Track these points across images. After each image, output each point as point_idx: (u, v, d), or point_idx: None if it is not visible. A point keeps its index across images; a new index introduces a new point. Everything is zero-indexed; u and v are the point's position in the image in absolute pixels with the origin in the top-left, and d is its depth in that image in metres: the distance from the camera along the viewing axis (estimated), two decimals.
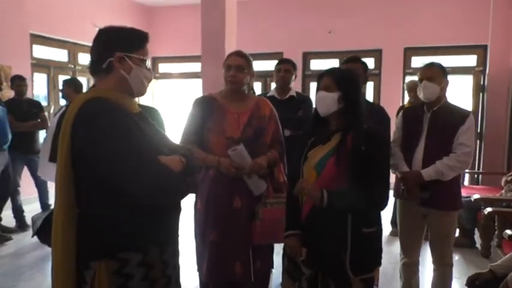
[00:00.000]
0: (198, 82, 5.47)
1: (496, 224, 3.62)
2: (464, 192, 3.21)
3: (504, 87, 6.15)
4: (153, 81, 1.47)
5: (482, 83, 6.53)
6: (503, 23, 6.09)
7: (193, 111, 2.38)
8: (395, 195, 2.63)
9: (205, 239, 2.31)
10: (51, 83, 6.45)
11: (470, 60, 6.73)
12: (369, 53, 6.88)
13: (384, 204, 1.82)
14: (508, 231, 3.06)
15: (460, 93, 6.62)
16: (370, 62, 6.94)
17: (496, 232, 3.61)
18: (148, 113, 1.57)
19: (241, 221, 2.26)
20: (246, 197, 2.27)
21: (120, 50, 1.41)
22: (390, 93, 6.85)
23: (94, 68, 1.46)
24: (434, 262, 2.59)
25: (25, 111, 4.76)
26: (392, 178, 2.50)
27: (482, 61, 6.56)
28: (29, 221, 4.21)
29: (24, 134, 4.69)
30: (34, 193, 4.94)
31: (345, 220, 1.77)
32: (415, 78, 2.84)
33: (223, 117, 2.31)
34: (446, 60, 6.68)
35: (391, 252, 4.00)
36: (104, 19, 6.19)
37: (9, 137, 4.33)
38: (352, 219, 1.77)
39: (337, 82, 1.82)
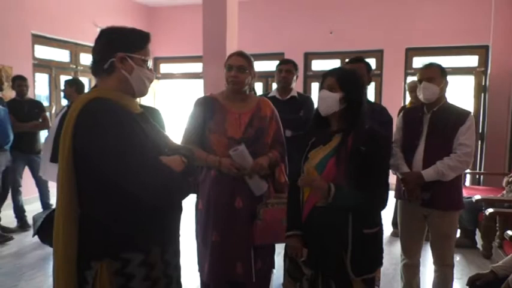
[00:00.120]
0: (200, 82, 5.48)
1: (497, 224, 3.62)
2: (465, 193, 3.22)
3: (506, 88, 6.14)
4: (155, 81, 1.48)
5: (483, 83, 6.52)
6: (504, 23, 6.08)
7: (194, 111, 2.39)
8: (396, 196, 2.63)
9: (206, 239, 2.31)
10: (53, 83, 6.46)
11: (471, 60, 6.72)
12: (370, 53, 6.88)
13: (383, 205, 1.83)
14: (510, 232, 3.06)
15: (461, 93, 6.61)
16: (371, 63, 6.90)
17: (498, 233, 3.60)
18: (149, 113, 1.57)
19: (243, 222, 2.26)
20: (247, 197, 2.27)
21: (121, 50, 1.42)
22: (391, 94, 6.85)
23: (96, 69, 1.46)
24: (435, 263, 2.59)
25: (26, 111, 4.77)
26: (393, 179, 2.51)
27: (483, 61, 6.55)
28: (30, 220, 4.22)
29: (26, 134, 4.69)
30: (35, 193, 4.96)
31: (346, 221, 1.77)
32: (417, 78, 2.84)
33: (225, 117, 2.31)
34: (448, 61, 6.69)
35: (392, 252, 4.00)
36: (106, 19, 6.20)
37: (11, 137, 4.34)
38: (353, 219, 1.77)
39: (340, 82, 1.83)
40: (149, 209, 1.40)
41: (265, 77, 7.35)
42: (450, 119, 2.43)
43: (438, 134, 2.43)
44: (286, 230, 1.95)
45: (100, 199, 1.37)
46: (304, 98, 3.31)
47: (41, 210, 4.70)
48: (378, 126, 1.97)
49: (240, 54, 2.37)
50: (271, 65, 6.96)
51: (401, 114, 2.73)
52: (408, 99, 5.12)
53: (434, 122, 2.45)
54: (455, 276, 2.60)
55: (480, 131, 6.47)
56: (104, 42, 1.44)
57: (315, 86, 7.39)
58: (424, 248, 2.69)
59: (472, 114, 2.49)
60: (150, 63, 1.51)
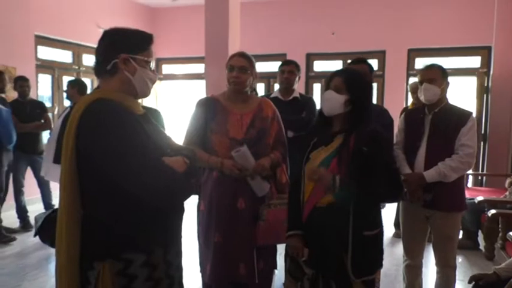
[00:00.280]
0: (202, 83, 5.49)
1: (499, 226, 3.61)
2: (468, 194, 3.21)
3: (508, 89, 6.12)
4: (157, 82, 1.48)
5: (486, 84, 6.50)
6: (507, 24, 6.06)
7: (196, 112, 2.39)
8: None
9: (208, 240, 2.32)
10: (56, 84, 6.48)
11: (474, 61, 6.71)
12: (372, 54, 6.87)
13: (392, 200, 1.82)
14: None
15: (464, 94, 6.60)
16: (373, 63, 6.92)
17: (500, 234, 3.59)
18: (150, 114, 1.57)
19: (245, 223, 2.26)
20: (250, 198, 2.28)
21: (124, 51, 1.42)
22: (394, 95, 6.84)
23: (99, 69, 1.46)
24: (437, 264, 2.58)
25: (28, 112, 4.79)
26: None
27: (486, 62, 6.54)
28: (32, 221, 4.23)
29: (28, 135, 4.71)
30: (38, 193, 4.97)
31: (347, 222, 1.76)
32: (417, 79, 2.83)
33: (226, 118, 2.31)
34: (450, 62, 6.68)
35: (394, 254, 3.99)
36: (108, 20, 6.23)
37: (14, 137, 4.36)
38: (354, 221, 1.76)
39: (347, 84, 1.82)
40: (151, 210, 1.40)
41: (267, 77, 7.35)
42: (451, 120, 2.42)
43: (440, 135, 2.43)
44: (286, 230, 1.95)
45: (103, 200, 1.38)
46: (306, 99, 3.32)
47: (43, 210, 4.71)
48: (380, 128, 1.96)
49: (241, 54, 2.37)
50: (273, 66, 6.96)
51: (402, 115, 2.73)
52: (410, 100, 5.12)
53: (436, 123, 2.45)
54: (457, 277, 2.60)
55: (483, 132, 6.45)
56: (107, 43, 1.45)
57: (316, 87, 7.39)
58: (427, 249, 2.68)
59: (473, 114, 2.48)
60: (152, 64, 1.51)
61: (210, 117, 2.33)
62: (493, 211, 3.62)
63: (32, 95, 5.08)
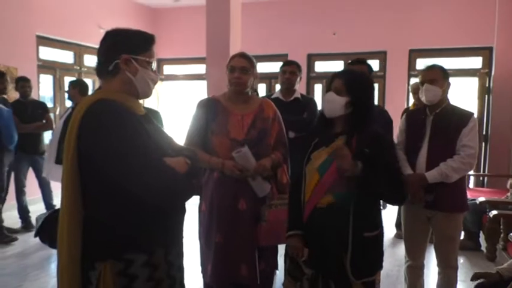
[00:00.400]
0: (203, 84, 5.49)
1: (501, 227, 3.60)
2: (469, 195, 3.20)
3: (510, 89, 6.11)
4: (158, 82, 1.48)
5: (487, 85, 6.50)
6: (508, 25, 6.06)
7: (197, 113, 2.39)
8: None
9: (209, 241, 2.32)
10: (57, 85, 6.49)
11: (475, 62, 6.70)
12: (373, 54, 6.87)
13: (397, 202, 1.81)
14: None
15: (465, 95, 6.59)
16: (374, 64, 6.94)
17: (502, 235, 3.58)
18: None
19: (246, 223, 2.26)
20: (251, 199, 2.28)
21: (126, 52, 1.42)
22: (395, 95, 6.83)
23: (100, 70, 1.47)
24: (439, 265, 2.58)
25: (30, 112, 4.79)
26: None
27: (487, 63, 6.53)
28: (34, 221, 4.24)
29: (29, 135, 4.71)
30: (39, 194, 4.97)
31: (347, 222, 1.76)
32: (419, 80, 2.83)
33: (227, 119, 2.32)
34: (452, 62, 6.67)
35: (396, 254, 3.99)
36: (109, 21, 6.24)
37: (15, 138, 4.36)
38: (354, 221, 1.76)
39: (348, 86, 1.81)
40: (153, 210, 1.40)
41: (269, 78, 7.35)
42: (453, 120, 2.42)
43: (441, 136, 2.43)
44: (287, 230, 1.95)
45: (104, 200, 1.38)
46: (308, 100, 3.32)
47: (44, 210, 4.72)
48: (381, 129, 1.96)
49: (242, 55, 2.37)
50: (274, 66, 6.96)
51: (404, 116, 2.73)
52: (411, 100, 5.11)
53: (437, 124, 2.45)
54: (459, 278, 2.59)
55: (484, 132, 6.45)
56: (108, 44, 1.45)
57: (318, 88, 7.39)
58: (428, 250, 2.68)
59: (474, 115, 2.48)
60: (154, 65, 1.52)
61: (210, 118, 2.33)
62: (494, 212, 3.61)
63: (33, 95, 5.09)
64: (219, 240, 2.27)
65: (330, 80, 1.87)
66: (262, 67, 7.14)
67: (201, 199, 2.41)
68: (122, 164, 1.30)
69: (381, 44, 6.91)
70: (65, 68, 6.66)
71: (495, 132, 6.27)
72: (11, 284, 3.42)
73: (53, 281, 3.35)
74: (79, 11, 6.59)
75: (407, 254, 2.65)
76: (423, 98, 2.48)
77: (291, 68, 3.21)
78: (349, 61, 2.95)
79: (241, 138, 2.28)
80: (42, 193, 4.93)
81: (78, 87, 4.41)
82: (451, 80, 2.51)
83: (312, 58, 7.43)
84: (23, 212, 4.87)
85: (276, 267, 2.50)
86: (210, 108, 2.36)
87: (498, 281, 2.25)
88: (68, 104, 5.48)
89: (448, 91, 2.50)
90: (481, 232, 4.20)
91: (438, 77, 2.43)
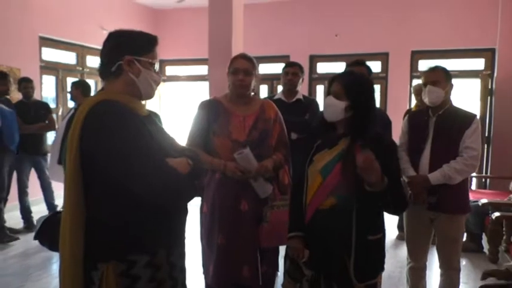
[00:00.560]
0: (205, 85, 5.49)
1: (503, 228, 3.59)
2: (472, 197, 3.20)
3: None
4: (160, 83, 1.48)
5: (490, 86, 6.48)
6: (511, 26, 6.05)
7: (198, 114, 2.39)
8: None
9: (211, 242, 2.32)
10: (60, 85, 6.51)
11: (478, 63, 6.69)
12: (375, 56, 6.86)
13: (399, 210, 1.82)
14: None
15: (468, 96, 6.58)
16: (377, 65, 6.94)
17: (504, 237, 3.58)
18: None
19: (248, 225, 2.26)
20: (253, 200, 2.28)
21: (129, 53, 1.43)
22: (397, 97, 6.82)
23: (103, 71, 1.47)
24: (441, 266, 2.57)
25: (32, 113, 4.80)
26: None
27: (490, 64, 6.52)
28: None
29: (32, 136, 4.73)
30: (42, 194, 4.99)
31: (349, 225, 1.75)
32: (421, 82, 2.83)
33: (229, 120, 2.32)
34: (454, 64, 6.66)
35: (398, 256, 3.98)
36: (112, 22, 6.26)
37: (17, 138, 4.38)
38: (357, 224, 1.75)
39: (346, 90, 1.78)
40: (155, 211, 1.40)
41: (271, 79, 7.36)
42: (455, 122, 2.42)
43: (444, 138, 2.42)
44: (287, 232, 1.95)
45: (106, 201, 1.38)
46: (310, 101, 3.32)
47: (46, 211, 4.74)
48: (382, 131, 1.95)
49: (243, 57, 2.37)
50: (276, 68, 6.97)
51: (406, 117, 2.72)
52: (414, 102, 5.10)
53: (440, 126, 2.44)
54: (461, 280, 2.59)
55: (486, 134, 6.43)
56: (111, 45, 1.45)
57: (320, 89, 7.38)
58: (430, 251, 2.67)
59: (477, 117, 2.47)
60: (157, 66, 1.52)
61: (212, 119, 2.33)
62: (497, 214, 3.60)
63: (36, 96, 5.10)
64: (221, 242, 2.27)
65: (329, 84, 1.86)
66: (264, 68, 7.14)
67: (202, 200, 2.41)
68: (125, 165, 1.31)
69: (383, 46, 6.90)
70: (67, 69, 6.68)
71: (497, 134, 6.25)
72: (13, 284, 3.43)
73: (55, 281, 3.35)
74: (82, 12, 6.60)
75: (410, 256, 2.65)
76: (426, 100, 2.47)
77: (293, 69, 3.21)
78: (348, 63, 2.95)
79: (243, 140, 2.28)
80: (44, 193, 4.94)
81: (80, 88, 4.42)
82: (454, 81, 2.50)
83: (314, 59, 7.42)
84: (25, 212, 4.88)
85: (277, 269, 2.50)
86: (211, 109, 2.36)
87: (509, 277, 2.26)
88: (71, 104, 5.50)
89: (451, 93, 2.49)
90: (484, 234, 4.19)
91: (441, 79, 2.43)
